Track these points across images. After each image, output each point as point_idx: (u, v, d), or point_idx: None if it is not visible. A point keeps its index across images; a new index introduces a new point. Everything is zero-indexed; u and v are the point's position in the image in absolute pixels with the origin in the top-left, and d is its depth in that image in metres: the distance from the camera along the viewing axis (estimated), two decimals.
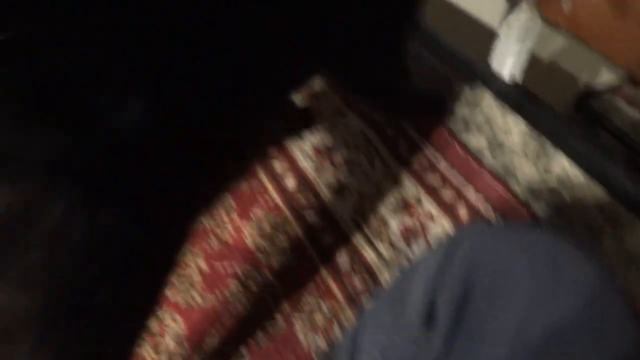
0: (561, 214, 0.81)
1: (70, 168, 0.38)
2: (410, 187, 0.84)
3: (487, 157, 0.88)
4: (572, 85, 1.65)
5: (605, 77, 1.13)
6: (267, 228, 0.84)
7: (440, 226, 0.80)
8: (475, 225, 0.55)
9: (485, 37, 1.00)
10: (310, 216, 0.85)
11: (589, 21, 0.91)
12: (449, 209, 0.81)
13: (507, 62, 0.98)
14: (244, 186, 0.91)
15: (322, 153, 0.90)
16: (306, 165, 0.90)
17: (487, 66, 0.99)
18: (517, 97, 0.96)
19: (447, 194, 0.82)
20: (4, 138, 0.36)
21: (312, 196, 0.86)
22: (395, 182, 0.86)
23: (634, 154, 1.83)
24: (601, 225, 0.80)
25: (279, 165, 0.91)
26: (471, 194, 0.82)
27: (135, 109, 0.40)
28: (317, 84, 1.01)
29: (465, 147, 0.89)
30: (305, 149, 0.92)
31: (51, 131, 0.37)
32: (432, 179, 0.84)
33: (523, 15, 0.92)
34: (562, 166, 0.87)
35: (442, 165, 0.85)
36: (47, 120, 0.37)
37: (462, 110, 0.94)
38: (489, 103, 0.96)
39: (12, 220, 0.36)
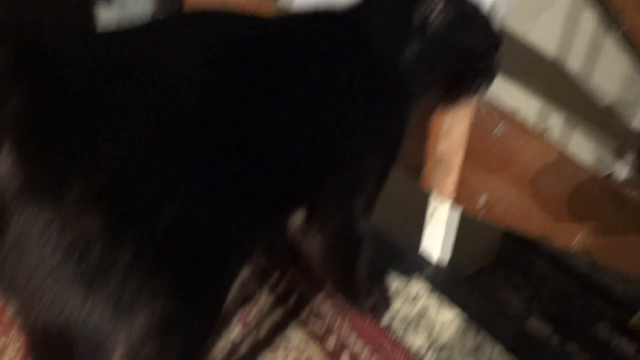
0: None
1: None
2: None
3: (428, 357, 0.86)
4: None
5: None
6: None
7: None
8: None
9: (416, 224, 1.02)
10: None
11: (504, 210, 0.94)
12: None
13: (435, 247, 0.99)
14: None
15: None
16: None
17: (418, 253, 1.00)
18: (448, 284, 0.96)
19: None
20: None
21: None
22: None
23: (565, 278, 1.86)
24: None
25: None
26: None
27: None
28: None
29: (403, 348, 0.86)
30: None
31: None
32: None
33: (446, 206, 0.95)
34: (499, 357, 0.86)
35: None
36: None
37: (397, 304, 0.93)
38: (422, 293, 0.95)
39: None
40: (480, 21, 0.72)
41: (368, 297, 0.87)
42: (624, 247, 1.34)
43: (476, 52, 0.71)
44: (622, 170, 2.68)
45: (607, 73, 2.34)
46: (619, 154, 2.66)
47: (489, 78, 0.74)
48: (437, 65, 0.71)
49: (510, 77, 1.79)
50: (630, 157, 2.63)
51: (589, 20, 2.03)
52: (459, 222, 0.98)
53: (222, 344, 0.83)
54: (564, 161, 1.00)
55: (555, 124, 2.34)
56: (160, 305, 0.47)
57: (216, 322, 0.60)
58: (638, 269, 1.44)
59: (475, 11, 0.72)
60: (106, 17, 1.29)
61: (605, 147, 2.58)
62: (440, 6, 0.67)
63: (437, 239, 0.97)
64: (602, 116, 2.47)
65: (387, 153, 0.74)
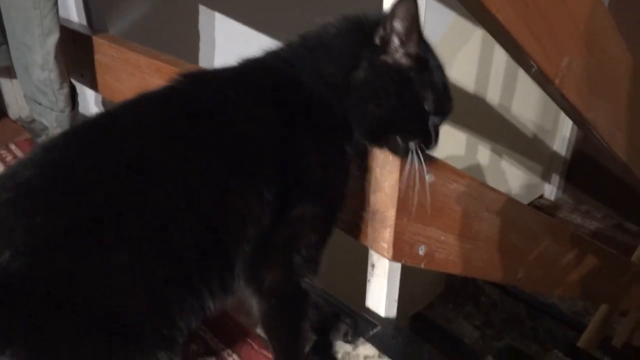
0: None
1: None
2: None
3: None
4: None
5: None
6: None
7: None
8: None
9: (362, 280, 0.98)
10: None
11: (445, 257, 0.93)
12: None
13: (380, 301, 0.96)
14: None
15: None
16: None
17: (363, 311, 0.96)
18: (397, 341, 0.92)
19: None
20: None
21: None
22: None
23: (514, 301, 1.86)
24: None
25: None
26: None
27: None
28: None
29: None
30: None
31: None
32: None
33: (385, 260, 0.92)
34: None
35: None
36: None
37: None
38: (371, 355, 0.91)
39: None
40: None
41: None
42: (561, 275, 1.37)
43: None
44: (551, 192, 2.81)
45: (524, 102, 2.48)
46: (546, 177, 2.79)
47: (425, 142, 0.69)
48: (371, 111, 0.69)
49: None
50: (557, 179, 2.77)
51: (502, 53, 2.16)
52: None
53: None
54: (495, 198, 1.01)
55: (483, 154, 2.43)
56: None
57: None
58: (577, 292, 1.48)
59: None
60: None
61: (533, 171, 2.71)
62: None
63: (381, 291, 0.94)
64: (526, 143, 2.60)
65: (321, 198, 0.69)
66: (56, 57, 1.04)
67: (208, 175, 0.59)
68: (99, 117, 0.65)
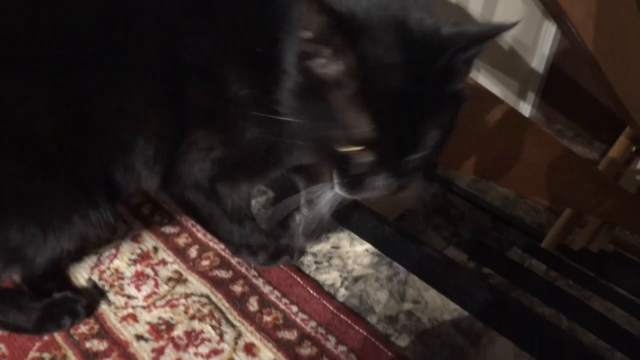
0: (422, 341, 0.79)
1: None
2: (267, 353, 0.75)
3: (341, 291, 0.84)
4: None
5: None
6: None
7: None
8: None
9: None
10: None
11: None
12: None
13: None
14: None
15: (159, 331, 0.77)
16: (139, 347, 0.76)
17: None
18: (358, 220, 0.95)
19: (308, 352, 0.75)
20: None
21: None
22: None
23: (481, 213, 1.92)
24: (461, 346, 0.79)
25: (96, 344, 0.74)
26: (332, 345, 0.76)
27: None
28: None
29: (316, 285, 0.84)
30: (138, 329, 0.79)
31: None
32: (289, 335, 0.77)
33: None
34: (413, 284, 0.86)
35: (300, 317, 0.78)
36: None
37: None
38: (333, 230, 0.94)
39: None
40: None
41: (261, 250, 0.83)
42: (529, 173, 1.40)
43: None
44: (526, 109, 2.83)
45: (506, 16, 2.42)
46: (522, 94, 2.79)
47: None
48: None
49: None
50: (532, 97, 2.77)
51: None
52: None
53: None
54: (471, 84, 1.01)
55: None
56: None
57: None
58: (543, 192, 1.53)
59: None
60: None
61: (510, 88, 2.70)
62: None
63: None
64: (504, 59, 2.57)
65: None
66: None
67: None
68: None
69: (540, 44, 2.65)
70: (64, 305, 0.74)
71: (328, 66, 0.52)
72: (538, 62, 2.70)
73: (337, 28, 0.48)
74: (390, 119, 0.51)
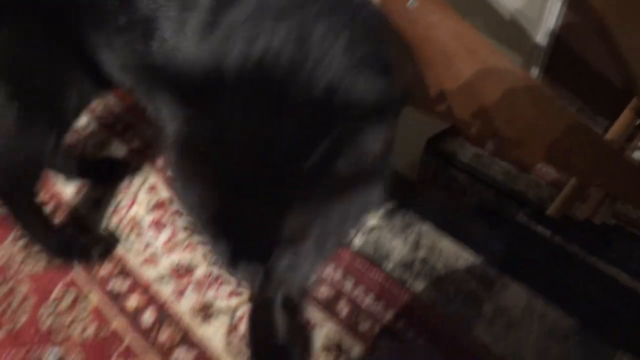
0: (436, 287, 0.80)
1: None
2: None
3: (356, 240, 0.85)
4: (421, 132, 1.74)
5: None
6: None
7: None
8: None
9: None
10: None
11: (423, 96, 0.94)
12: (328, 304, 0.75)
13: None
14: None
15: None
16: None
17: None
18: None
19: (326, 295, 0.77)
20: None
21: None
22: None
23: (484, 187, 1.93)
24: (475, 291, 0.80)
25: (119, 284, 0.78)
26: (349, 287, 0.77)
27: None
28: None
29: None
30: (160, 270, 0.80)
31: None
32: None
33: None
34: (427, 234, 0.88)
35: None
36: None
37: None
38: None
39: None
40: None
41: None
42: (535, 138, 1.41)
43: None
44: None
45: None
46: (525, 69, 2.78)
47: None
48: None
49: None
50: (536, 71, 2.77)
51: None
52: None
53: None
54: (479, 43, 1.01)
55: None
56: None
57: None
58: (548, 159, 1.53)
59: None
60: None
61: (514, 62, 2.69)
62: None
63: None
64: (507, 32, 2.56)
65: None
66: None
67: None
68: None
69: (546, 17, 2.63)
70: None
71: None
72: (542, 36, 2.69)
73: None
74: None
